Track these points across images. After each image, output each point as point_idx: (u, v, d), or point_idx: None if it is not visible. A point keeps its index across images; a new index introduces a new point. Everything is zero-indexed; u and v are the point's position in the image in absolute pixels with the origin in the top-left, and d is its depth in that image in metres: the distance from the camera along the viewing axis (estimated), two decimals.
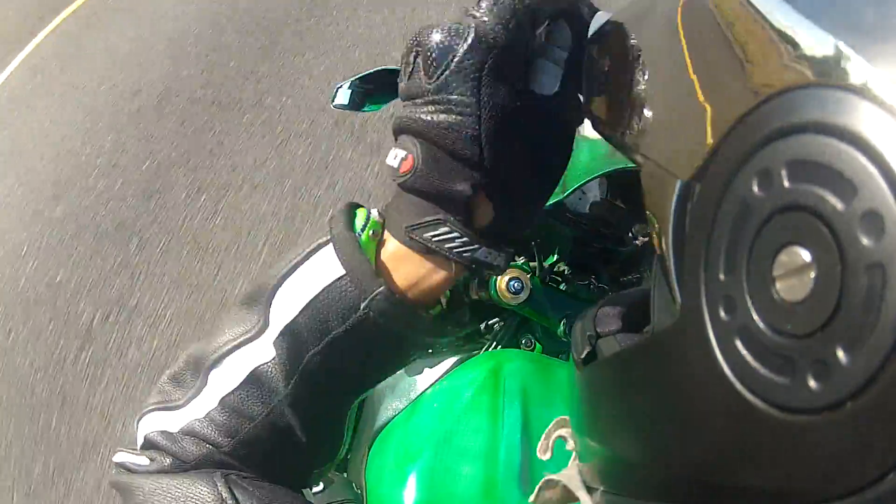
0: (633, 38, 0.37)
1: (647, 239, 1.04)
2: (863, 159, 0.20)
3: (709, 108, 0.28)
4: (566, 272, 0.99)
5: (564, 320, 0.86)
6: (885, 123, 0.20)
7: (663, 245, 0.31)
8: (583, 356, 0.41)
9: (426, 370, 0.90)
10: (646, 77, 0.35)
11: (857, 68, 0.21)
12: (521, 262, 0.91)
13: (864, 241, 0.20)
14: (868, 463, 0.20)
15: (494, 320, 0.99)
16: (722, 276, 0.26)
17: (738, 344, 0.25)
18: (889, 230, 0.19)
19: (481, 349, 0.90)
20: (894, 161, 0.19)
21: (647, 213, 0.33)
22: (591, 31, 0.44)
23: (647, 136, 0.34)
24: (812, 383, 0.22)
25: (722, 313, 0.26)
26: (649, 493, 0.34)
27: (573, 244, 1.01)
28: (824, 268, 0.21)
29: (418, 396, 0.87)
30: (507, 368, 0.78)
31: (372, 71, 1.05)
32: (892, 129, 0.20)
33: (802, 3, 0.25)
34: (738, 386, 0.24)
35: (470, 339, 1.00)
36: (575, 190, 0.85)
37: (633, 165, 0.92)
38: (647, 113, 0.34)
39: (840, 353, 0.21)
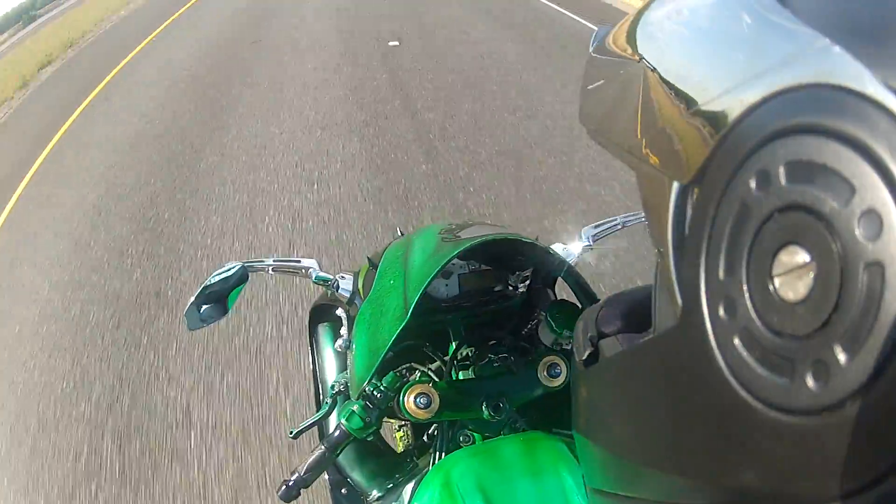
0: (628, 50, 0.37)
1: (527, 281, 1.05)
2: (860, 160, 0.20)
3: (706, 112, 0.28)
4: (470, 354, 1.00)
5: (484, 403, 0.87)
6: (881, 124, 0.20)
7: (663, 247, 0.31)
8: (584, 357, 0.41)
9: None
10: (641, 85, 0.35)
11: (853, 70, 0.21)
12: (419, 375, 0.93)
13: (863, 239, 0.20)
14: (868, 463, 0.20)
15: (433, 427, 1.00)
16: (722, 277, 0.26)
17: (738, 344, 0.25)
18: (887, 229, 0.19)
19: (431, 463, 0.92)
20: (891, 161, 0.19)
21: (647, 215, 0.33)
22: (592, 43, 0.44)
23: (645, 142, 0.34)
24: (811, 384, 0.21)
25: (722, 313, 0.26)
26: (650, 493, 0.34)
27: (467, 323, 1.03)
28: (823, 267, 0.21)
29: None
30: (455, 474, 0.79)
31: (200, 287, 1.04)
32: (889, 130, 0.20)
33: (799, 5, 0.25)
34: (738, 387, 0.24)
35: (421, 453, 1.02)
36: (428, 287, 0.85)
37: (464, 245, 0.91)
38: (644, 118, 0.34)
39: (839, 353, 0.21)
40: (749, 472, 0.25)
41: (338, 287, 1.10)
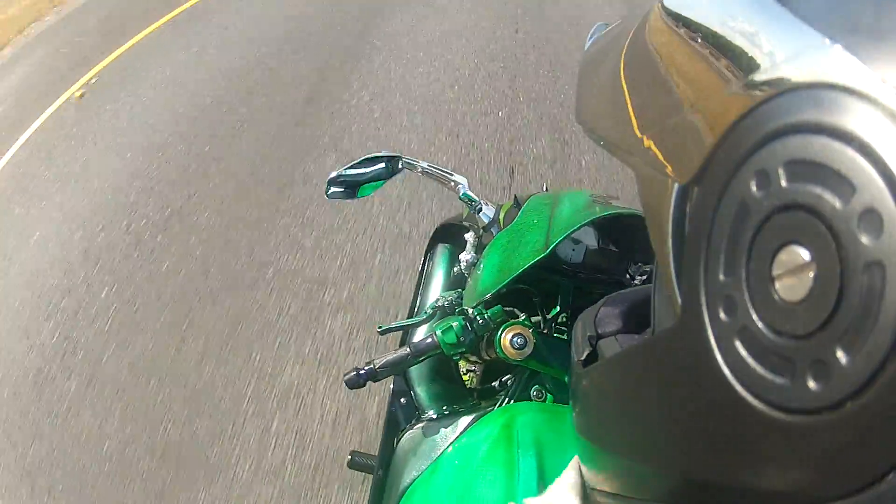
0: (625, 50, 0.37)
1: (644, 277, 1.06)
2: (860, 158, 0.20)
3: (705, 112, 0.28)
4: (569, 322, 1.02)
5: None
6: (881, 123, 0.20)
7: (663, 247, 0.31)
8: (583, 357, 0.41)
9: (445, 430, 0.94)
10: (640, 83, 0.35)
11: (854, 69, 0.21)
12: (523, 318, 0.94)
13: (863, 239, 0.20)
14: (868, 463, 0.20)
15: (507, 377, 1.02)
16: (722, 277, 0.26)
17: (738, 344, 0.25)
18: (887, 228, 0.19)
19: (496, 405, 0.93)
20: (892, 160, 0.19)
21: (646, 215, 0.33)
22: (588, 41, 0.44)
23: (644, 141, 0.34)
24: (811, 384, 0.21)
25: (722, 314, 0.26)
26: (650, 493, 0.34)
27: (573, 293, 1.04)
28: (823, 266, 0.21)
29: (439, 456, 0.90)
30: (520, 421, 0.80)
31: (359, 160, 1.14)
32: (888, 129, 0.20)
33: (798, 5, 0.25)
34: (738, 386, 0.24)
35: (485, 396, 1.04)
36: (563, 240, 0.88)
37: (616, 210, 0.94)
38: (643, 118, 0.34)
39: (839, 353, 0.21)
40: (749, 471, 0.25)
41: (480, 210, 1.12)
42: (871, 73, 0.21)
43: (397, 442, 1.04)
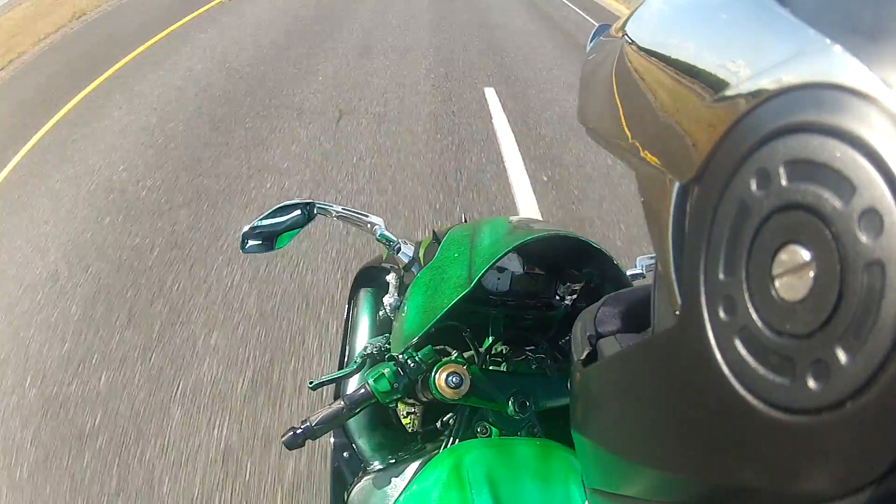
0: (624, 50, 0.37)
1: (574, 296, 1.05)
2: (861, 158, 0.20)
3: (705, 111, 0.28)
4: (504, 351, 1.00)
5: (512, 398, 0.87)
6: (881, 123, 0.20)
7: (663, 246, 0.31)
8: (583, 357, 0.41)
9: (394, 480, 0.91)
10: (640, 83, 0.35)
11: (854, 68, 0.21)
12: (455, 355, 0.92)
13: (863, 239, 0.20)
14: (868, 463, 0.20)
15: (448, 415, 1.00)
16: (721, 276, 0.26)
17: (738, 344, 0.25)
18: (888, 228, 0.19)
19: (441, 447, 0.91)
20: (892, 160, 0.19)
21: (646, 214, 0.33)
22: (589, 41, 0.44)
23: (644, 140, 0.34)
24: (812, 383, 0.21)
25: (722, 313, 0.26)
26: (650, 493, 0.34)
27: (505, 323, 1.03)
28: (823, 266, 0.21)
29: None
30: (468, 460, 0.79)
31: (271, 210, 1.11)
32: (889, 129, 0.20)
33: (799, 6, 0.25)
34: (738, 386, 0.24)
35: (429, 438, 1.01)
36: (487, 270, 0.86)
37: (538, 234, 0.93)
38: (643, 119, 0.34)
39: (840, 353, 0.20)
40: (748, 471, 0.25)
41: (399, 249, 1.10)
42: (871, 72, 0.21)
43: (347, 497, 1.01)
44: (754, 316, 0.24)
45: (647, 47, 0.36)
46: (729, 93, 0.27)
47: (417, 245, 1.11)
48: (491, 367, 0.97)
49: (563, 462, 0.80)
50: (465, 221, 1.18)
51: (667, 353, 0.30)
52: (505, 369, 0.97)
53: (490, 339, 1.01)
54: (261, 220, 1.10)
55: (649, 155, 0.33)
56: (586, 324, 0.41)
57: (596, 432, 0.40)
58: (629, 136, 0.35)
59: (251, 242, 1.10)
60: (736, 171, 0.25)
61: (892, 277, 0.19)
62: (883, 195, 0.19)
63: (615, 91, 0.37)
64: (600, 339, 0.40)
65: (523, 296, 1.04)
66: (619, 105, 0.37)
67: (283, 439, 0.84)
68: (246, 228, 1.09)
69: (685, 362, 0.28)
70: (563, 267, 1.03)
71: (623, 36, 0.39)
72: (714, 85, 0.28)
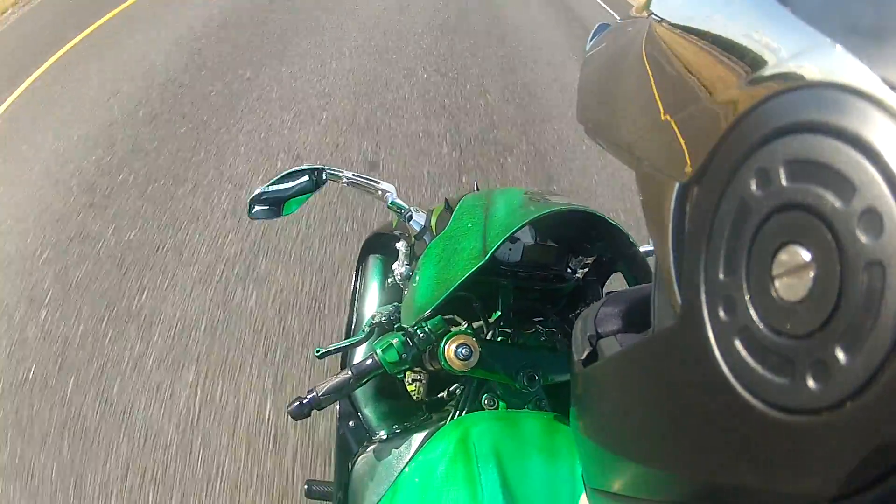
0: (624, 52, 0.37)
1: (586, 270, 1.04)
2: (861, 158, 0.20)
3: (706, 111, 0.28)
4: (513, 323, 0.99)
5: (520, 372, 0.86)
6: (882, 123, 0.20)
7: (663, 246, 0.31)
8: (583, 356, 0.41)
9: (399, 450, 0.91)
10: (640, 84, 0.35)
11: (854, 68, 0.21)
12: (465, 326, 0.91)
13: (863, 239, 0.20)
14: (868, 463, 0.20)
15: (455, 386, 0.99)
16: (722, 276, 0.26)
17: (738, 344, 0.25)
18: (888, 228, 0.19)
19: (447, 417, 0.90)
20: (892, 160, 0.19)
21: (646, 214, 0.33)
22: (589, 41, 0.44)
23: (644, 141, 0.33)
24: (811, 384, 0.21)
25: (722, 313, 0.25)
26: (650, 493, 0.33)
27: (515, 294, 1.01)
28: (823, 266, 0.21)
29: (397, 477, 0.87)
30: (475, 433, 0.78)
31: (280, 175, 1.09)
32: (889, 129, 0.20)
33: (800, 5, 0.25)
34: (738, 386, 0.24)
35: (435, 408, 1.00)
36: (502, 243, 0.85)
37: (554, 208, 0.91)
38: (643, 117, 0.34)
39: (839, 353, 0.20)
40: (749, 471, 0.25)
41: (410, 217, 1.08)
42: (872, 72, 0.21)
43: (352, 466, 1.01)
44: (754, 316, 0.24)
45: (648, 49, 0.35)
46: (728, 93, 0.27)
47: (429, 213, 1.10)
48: (500, 339, 0.96)
49: (569, 437, 0.79)
50: (477, 190, 1.15)
51: (667, 352, 0.30)
52: (513, 341, 0.96)
53: (500, 309, 1.00)
54: (269, 185, 1.08)
55: (650, 154, 0.33)
56: (587, 324, 0.41)
57: (597, 432, 0.40)
58: (629, 135, 0.35)
59: (258, 208, 1.09)
60: (736, 170, 0.25)
61: (892, 278, 0.19)
62: (883, 195, 0.19)
63: (621, 88, 0.37)
64: (601, 339, 0.40)
65: (534, 267, 1.02)
66: (620, 104, 0.37)
67: (289, 409, 0.84)
68: (255, 193, 1.08)
69: (685, 362, 0.28)
70: (575, 240, 1.02)
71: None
72: (714, 85, 0.28)
